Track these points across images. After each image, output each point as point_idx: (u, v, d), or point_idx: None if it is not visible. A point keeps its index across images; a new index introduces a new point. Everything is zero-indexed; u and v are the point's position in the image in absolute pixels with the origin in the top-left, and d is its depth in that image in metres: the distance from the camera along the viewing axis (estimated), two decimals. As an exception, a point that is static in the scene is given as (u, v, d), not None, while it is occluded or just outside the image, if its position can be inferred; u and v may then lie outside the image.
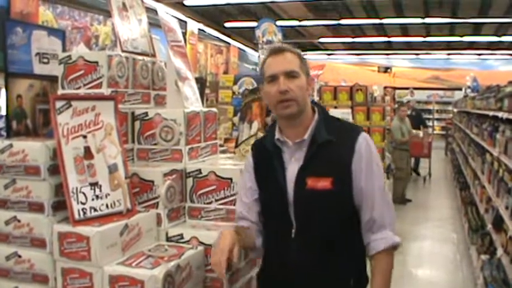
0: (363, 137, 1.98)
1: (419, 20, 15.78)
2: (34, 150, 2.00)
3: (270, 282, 2.08)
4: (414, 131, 11.22)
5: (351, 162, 1.93)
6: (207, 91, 5.28)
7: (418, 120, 12.14)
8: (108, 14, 2.43)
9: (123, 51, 2.42)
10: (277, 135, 2.02)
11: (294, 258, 1.95)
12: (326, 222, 1.93)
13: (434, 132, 19.49)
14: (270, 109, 2.05)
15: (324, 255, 1.94)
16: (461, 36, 18.67)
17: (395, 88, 15.46)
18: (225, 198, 2.29)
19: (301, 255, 1.94)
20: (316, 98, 7.12)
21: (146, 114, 2.40)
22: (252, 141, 3.02)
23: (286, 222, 1.97)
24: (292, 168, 1.97)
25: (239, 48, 19.73)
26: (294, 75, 1.94)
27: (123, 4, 2.54)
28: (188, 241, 2.17)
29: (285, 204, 1.96)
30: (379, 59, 25.19)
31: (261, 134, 3.04)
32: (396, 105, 10.92)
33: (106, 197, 2.06)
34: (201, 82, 3.16)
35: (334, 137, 1.95)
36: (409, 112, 11.71)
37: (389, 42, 21.17)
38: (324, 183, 1.90)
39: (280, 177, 1.98)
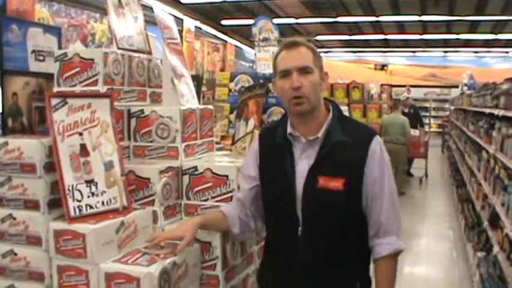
0: (377, 140, 1.96)
1: (416, 18, 15.80)
2: (30, 147, 2.00)
3: (272, 279, 2.06)
4: (411, 129, 11.17)
5: (364, 165, 1.91)
6: (204, 88, 5.28)
7: (415, 118, 11.95)
8: (104, 11, 2.42)
9: (119, 48, 2.41)
10: (289, 130, 1.99)
11: (300, 257, 1.93)
12: (334, 222, 1.91)
13: (431, 129, 19.47)
14: (284, 104, 2.03)
15: (331, 255, 1.92)
16: (458, 33, 18.72)
17: (392, 86, 15.46)
18: (221, 195, 2.29)
19: (307, 254, 1.92)
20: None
21: (142, 111, 2.40)
22: (248, 138, 3.02)
23: (292, 219, 1.94)
24: (302, 165, 1.95)
25: (236, 45, 19.73)
26: (308, 70, 1.91)
27: (119, 1, 2.53)
28: (184, 238, 2.17)
29: (292, 201, 1.94)
30: (376, 56, 25.22)
31: (257, 132, 3.04)
32: (392, 102, 10.84)
33: (102, 194, 2.05)
34: (197, 80, 3.16)
35: (349, 138, 1.92)
36: (406, 110, 11.66)
37: (386, 39, 21.20)
38: (336, 184, 1.88)
39: (289, 172, 1.95)
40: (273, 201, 2.04)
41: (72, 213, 1.95)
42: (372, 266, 2.03)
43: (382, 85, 11.61)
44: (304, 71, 1.90)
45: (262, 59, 4.16)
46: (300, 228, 1.94)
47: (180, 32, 11.26)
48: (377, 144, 1.95)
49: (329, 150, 1.92)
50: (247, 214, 2.13)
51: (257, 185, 2.09)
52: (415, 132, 11.37)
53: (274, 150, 2.02)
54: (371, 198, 1.93)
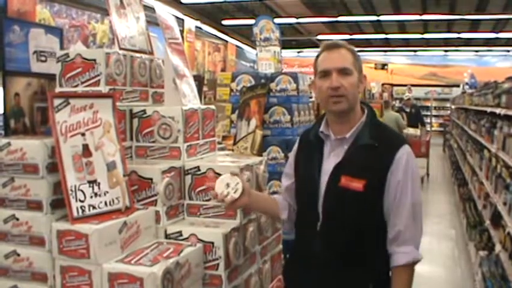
0: (405, 149, 1.98)
1: (416, 17, 15.79)
2: (32, 148, 2.00)
3: (294, 272, 2.14)
4: (412, 129, 11.17)
5: (387, 171, 1.94)
6: (205, 89, 5.28)
7: (416, 117, 11.99)
8: (105, 12, 2.42)
9: (120, 48, 2.41)
10: (321, 128, 2.06)
11: (316, 251, 2.00)
12: (351, 222, 1.96)
13: (432, 128, 19.45)
14: (320, 104, 2.10)
15: (345, 254, 1.97)
16: (459, 32, 18.70)
17: (392, 85, 15.47)
18: (223, 195, 2.29)
19: (323, 249, 1.98)
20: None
21: (144, 111, 2.40)
22: (250, 138, 3.02)
23: (314, 214, 2.02)
24: (329, 162, 2.01)
25: (236, 45, 19.72)
26: (347, 72, 1.96)
27: (121, 2, 2.53)
28: (187, 238, 2.17)
29: (315, 196, 2.01)
30: (377, 55, 25.19)
31: (259, 131, 3.04)
32: (395, 102, 10.89)
33: (105, 194, 2.06)
34: (198, 80, 3.16)
35: (376, 142, 1.96)
36: (407, 109, 11.69)
37: (386, 39, 21.19)
38: (356, 185, 1.93)
39: (316, 168, 2.03)
40: (300, 196, 2.15)
41: (75, 214, 1.95)
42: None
43: (383, 84, 11.62)
44: (344, 72, 1.96)
45: (264, 59, 4.14)
46: (319, 223, 2.00)
47: (181, 32, 11.26)
48: (404, 154, 1.97)
49: (355, 151, 1.97)
50: (292, 207, 2.25)
51: (293, 182, 2.21)
52: (416, 132, 11.38)
53: (308, 147, 2.13)
54: (392, 205, 1.97)
